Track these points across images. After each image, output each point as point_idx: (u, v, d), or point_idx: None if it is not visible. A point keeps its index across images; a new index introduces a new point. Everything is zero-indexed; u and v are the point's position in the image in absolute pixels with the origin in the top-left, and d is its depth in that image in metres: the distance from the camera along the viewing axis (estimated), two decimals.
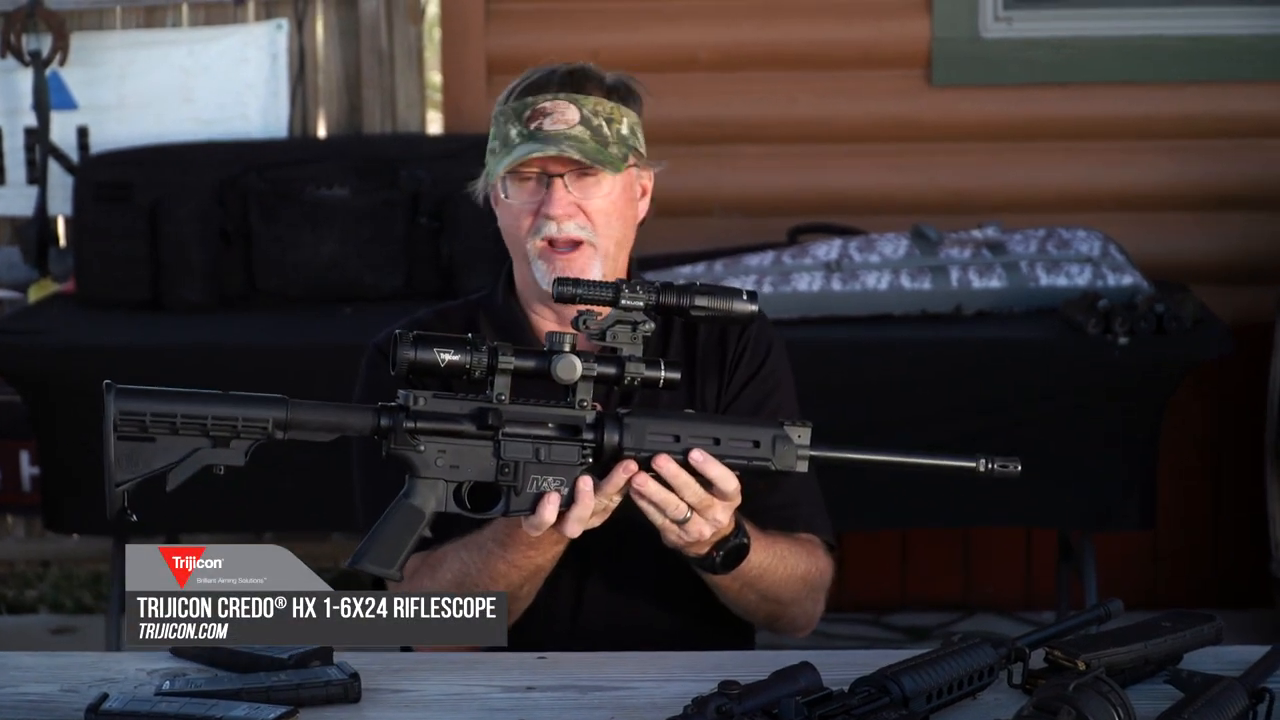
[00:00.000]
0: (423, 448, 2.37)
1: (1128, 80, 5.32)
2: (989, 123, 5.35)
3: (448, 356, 2.35)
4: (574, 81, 2.68)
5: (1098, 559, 4.65)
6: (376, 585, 2.51)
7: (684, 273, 4.69)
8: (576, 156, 2.63)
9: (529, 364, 2.38)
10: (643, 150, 2.71)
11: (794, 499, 2.77)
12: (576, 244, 2.65)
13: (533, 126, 2.65)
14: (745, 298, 2.45)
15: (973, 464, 2.45)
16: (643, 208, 2.77)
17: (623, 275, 2.74)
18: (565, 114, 2.65)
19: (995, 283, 4.70)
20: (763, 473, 2.45)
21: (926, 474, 2.48)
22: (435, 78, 6.28)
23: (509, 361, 2.37)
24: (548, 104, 2.65)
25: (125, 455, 2.27)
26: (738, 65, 5.36)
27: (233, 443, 2.29)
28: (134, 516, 2.27)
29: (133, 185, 4.95)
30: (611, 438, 2.41)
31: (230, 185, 4.97)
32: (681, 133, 5.23)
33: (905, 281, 4.70)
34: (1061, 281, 4.71)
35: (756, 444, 2.43)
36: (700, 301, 2.44)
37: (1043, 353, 4.51)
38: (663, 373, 2.41)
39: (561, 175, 2.64)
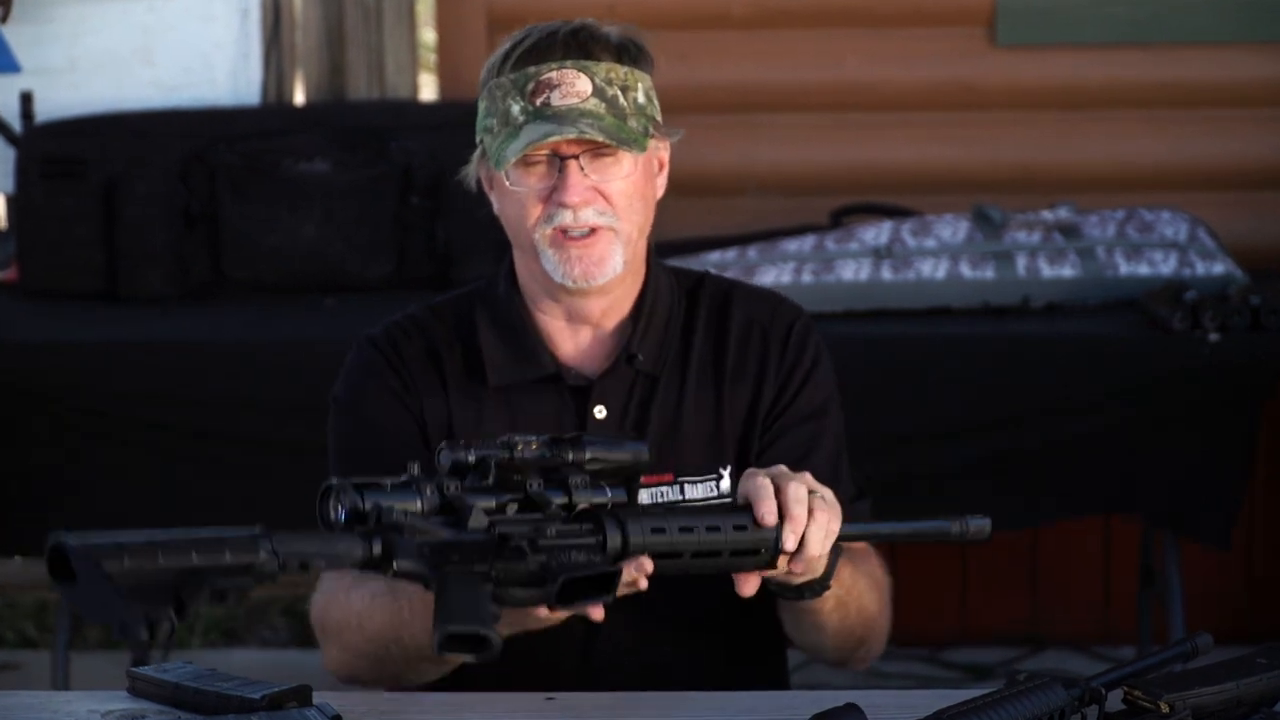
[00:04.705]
0: None
1: (1220, 40, 5.30)
2: (1061, 88, 5.34)
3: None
4: (580, 44, 2.65)
5: (1184, 587, 4.65)
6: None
7: (714, 259, 4.69)
8: (600, 139, 2.61)
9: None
10: (659, 118, 2.71)
11: (832, 467, 2.75)
12: (594, 229, 2.65)
13: (538, 102, 2.62)
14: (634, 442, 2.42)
15: (945, 527, 2.47)
16: (660, 184, 2.76)
17: (642, 262, 2.75)
18: (575, 85, 2.63)
19: (1068, 271, 4.70)
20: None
21: (902, 539, 2.61)
22: (429, 36, 6.29)
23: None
24: (554, 74, 2.63)
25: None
26: (776, 22, 5.35)
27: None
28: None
29: (85, 159, 4.95)
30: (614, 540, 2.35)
31: (196, 159, 4.97)
32: (711, 100, 5.23)
33: (965, 270, 4.70)
34: (1143, 270, 4.71)
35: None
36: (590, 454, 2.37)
37: (1121, 350, 4.51)
38: (609, 496, 2.36)
39: (576, 157, 2.63)
